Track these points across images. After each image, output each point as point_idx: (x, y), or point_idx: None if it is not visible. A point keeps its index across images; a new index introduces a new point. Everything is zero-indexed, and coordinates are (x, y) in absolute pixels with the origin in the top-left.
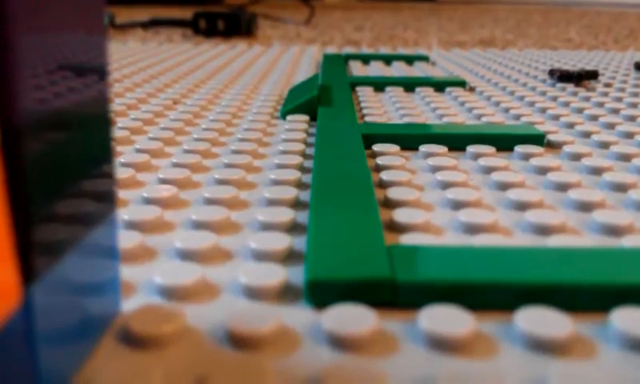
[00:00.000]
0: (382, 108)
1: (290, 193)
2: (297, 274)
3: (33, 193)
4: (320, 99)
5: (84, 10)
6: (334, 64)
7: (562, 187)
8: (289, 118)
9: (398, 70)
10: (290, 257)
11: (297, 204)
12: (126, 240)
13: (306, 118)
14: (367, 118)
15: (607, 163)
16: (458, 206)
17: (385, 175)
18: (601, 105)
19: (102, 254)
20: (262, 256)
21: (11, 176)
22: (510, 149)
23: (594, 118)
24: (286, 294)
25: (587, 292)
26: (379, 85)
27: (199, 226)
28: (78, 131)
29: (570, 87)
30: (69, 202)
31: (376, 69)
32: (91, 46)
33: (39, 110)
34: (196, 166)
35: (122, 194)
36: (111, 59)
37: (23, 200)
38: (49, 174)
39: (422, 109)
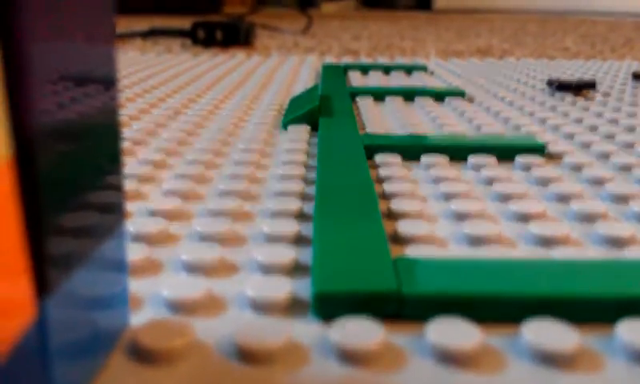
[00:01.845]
0: (382, 118)
1: (294, 204)
2: (302, 287)
3: (46, 205)
4: (321, 109)
5: (94, 19)
6: (334, 74)
7: (564, 198)
8: (290, 128)
9: (397, 79)
10: (295, 269)
11: (301, 216)
12: (132, 252)
13: (307, 128)
14: (368, 129)
15: (608, 174)
16: (461, 217)
17: (388, 186)
18: (600, 115)
19: (111, 267)
20: (267, 269)
21: (25, 188)
22: (511, 159)
23: (594, 128)
24: (292, 306)
25: (593, 304)
26: (379, 95)
27: (204, 238)
28: (88, 142)
29: (569, 97)
30: (80, 215)
31: (375, 79)
32: (101, 56)
33: (51, 121)
34: (199, 177)
35: (126, 205)
36: None
37: (37, 212)
38: (61, 186)
39: (422, 119)
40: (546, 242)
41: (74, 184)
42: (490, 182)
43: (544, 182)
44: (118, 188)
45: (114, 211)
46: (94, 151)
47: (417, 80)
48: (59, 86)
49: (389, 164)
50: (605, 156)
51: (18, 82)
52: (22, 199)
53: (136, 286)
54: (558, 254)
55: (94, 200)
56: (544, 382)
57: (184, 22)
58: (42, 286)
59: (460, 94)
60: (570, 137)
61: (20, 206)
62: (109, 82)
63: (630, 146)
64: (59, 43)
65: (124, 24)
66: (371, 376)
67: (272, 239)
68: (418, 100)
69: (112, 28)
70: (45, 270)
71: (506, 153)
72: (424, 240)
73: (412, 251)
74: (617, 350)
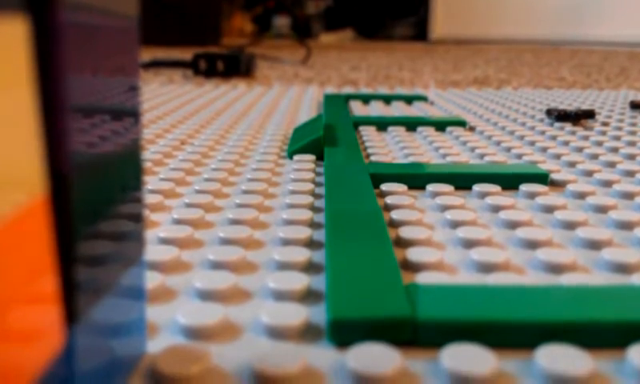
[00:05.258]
0: (385, 147)
1: (304, 232)
2: (316, 313)
3: (77, 236)
4: (325, 139)
5: (123, 51)
6: (336, 104)
7: (570, 226)
8: (295, 157)
9: (398, 109)
10: (308, 296)
11: (310, 243)
12: (147, 280)
13: (312, 157)
14: (372, 158)
15: (611, 201)
16: (469, 244)
17: (395, 214)
18: (600, 144)
19: (132, 295)
20: (281, 295)
21: (58, 221)
22: (515, 187)
23: (595, 156)
24: (307, 333)
25: (606, 329)
26: (381, 124)
27: (217, 265)
28: (114, 174)
29: (568, 126)
30: (106, 244)
31: (376, 108)
32: (128, 89)
33: (84, 156)
34: (209, 205)
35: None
36: None
37: (68, 243)
38: (90, 216)
39: (425, 148)
40: (554, 268)
41: (101, 214)
42: (495, 209)
43: (549, 210)
44: (140, 216)
45: (136, 239)
46: (120, 181)
47: (417, 110)
48: (91, 120)
49: (395, 192)
50: (607, 184)
51: (54, 118)
52: (54, 232)
53: (151, 313)
54: (567, 280)
55: (119, 229)
56: None
57: (184, 54)
58: (71, 314)
59: (461, 123)
60: (572, 165)
61: (53, 237)
62: (135, 114)
63: (630, 174)
64: (92, 77)
65: None
66: None
67: (283, 266)
68: (420, 129)
69: (137, 60)
70: (74, 298)
71: (509, 181)
72: (434, 267)
73: (422, 278)
74: (629, 373)
